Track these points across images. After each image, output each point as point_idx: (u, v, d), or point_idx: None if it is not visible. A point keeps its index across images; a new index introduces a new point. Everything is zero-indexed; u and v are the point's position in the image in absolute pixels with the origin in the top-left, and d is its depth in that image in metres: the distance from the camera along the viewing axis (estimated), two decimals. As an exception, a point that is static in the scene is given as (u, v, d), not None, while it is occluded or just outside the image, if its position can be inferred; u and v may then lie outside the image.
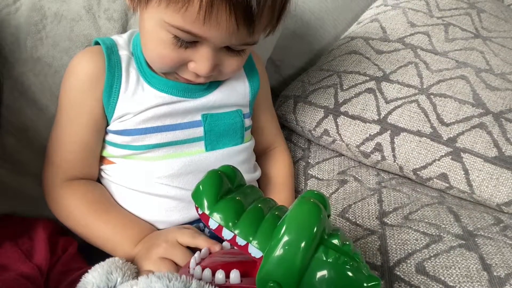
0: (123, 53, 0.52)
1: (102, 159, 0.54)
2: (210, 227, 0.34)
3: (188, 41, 0.44)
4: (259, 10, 0.41)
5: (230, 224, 0.33)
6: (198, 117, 0.53)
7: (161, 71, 0.51)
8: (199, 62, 0.46)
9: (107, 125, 0.52)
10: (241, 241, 0.33)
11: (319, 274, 0.31)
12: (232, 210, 0.34)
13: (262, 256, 0.31)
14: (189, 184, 0.52)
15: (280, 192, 0.63)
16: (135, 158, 0.52)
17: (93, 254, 0.49)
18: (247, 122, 0.59)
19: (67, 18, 0.56)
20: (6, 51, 0.52)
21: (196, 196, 0.35)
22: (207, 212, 0.34)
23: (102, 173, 0.54)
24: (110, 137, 0.52)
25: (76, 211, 0.50)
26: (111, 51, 0.51)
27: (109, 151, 0.53)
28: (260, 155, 0.66)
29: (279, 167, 0.66)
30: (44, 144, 0.53)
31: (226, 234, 0.33)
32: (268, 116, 0.67)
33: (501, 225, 0.54)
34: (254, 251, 0.32)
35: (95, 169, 0.54)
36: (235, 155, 0.56)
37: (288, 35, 0.88)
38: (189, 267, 0.39)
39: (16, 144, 0.54)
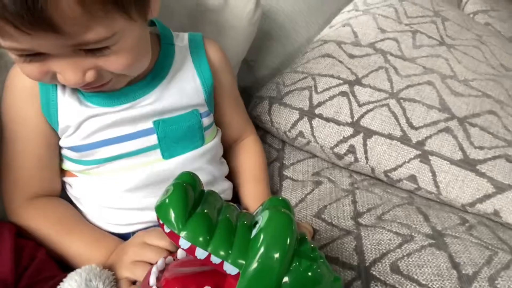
0: None
1: (64, 172, 0.52)
2: (181, 246, 0.32)
3: (29, 55, 0.39)
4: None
5: (204, 243, 0.31)
6: (149, 124, 0.50)
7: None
8: (62, 74, 0.41)
9: (59, 139, 0.50)
10: (216, 260, 0.31)
11: (296, 284, 0.31)
12: (204, 227, 0.32)
13: (238, 272, 0.31)
14: (154, 193, 0.50)
15: (255, 185, 0.62)
16: (90, 174, 0.50)
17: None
18: (206, 121, 0.55)
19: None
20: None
21: (162, 213, 0.32)
22: (178, 232, 0.32)
23: (66, 186, 0.53)
24: (64, 151, 0.51)
25: (39, 232, 0.47)
26: None
27: (66, 165, 0.51)
28: (231, 147, 0.65)
29: (251, 159, 0.65)
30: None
31: (200, 253, 0.32)
32: (234, 108, 0.64)
33: (466, 224, 0.58)
34: (230, 268, 0.31)
35: (56, 183, 0.51)
36: (197, 158, 0.54)
37: (262, 36, 0.89)
38: (149, 284, 0.36)
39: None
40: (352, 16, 0.93)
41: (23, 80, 0.47)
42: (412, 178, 0.65)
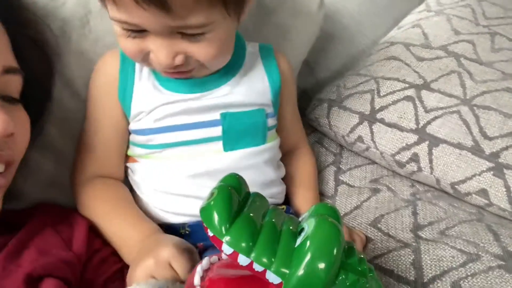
0: None
1: (128, 158, 0.56)
2: (224, 251, 0.31)
3: (133, 30, 0.44)
4: None
5: (247, 249, 0.30)
6: (217, 116, 0.52)
7: (141, 65, 0.52)
8: (156, 53, 0.45)
9: (129, 124, 0.54)
10: (258, 267, 0.30)
11: None
12: (247, 233, 0.31)
13: (281, 282, 0.29)
14: (209, 183, 0.52)
15: (305, 192, 0.63)
16: (152, 158, 0.53)
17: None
18: (271, 121, 0.57)
19: (111, 14, 0.57)
20: (53, 43, 0.54)
21: (206, 216, 0.32)
22: (220, 237, 0.31)
23: (128, 171, 0.56)
24: (131, 137, 0.54)
25: (89, 208, 0.51)
26: None
27: (131, 150, 0.55)
28: (285, 155, 0.65)
29: (304, 167, 0.65)
30: (84, 136, 0.54)
31: (242, 260, 0.30)
32: (293, 117, 0.66)
33: (544, 248, 0.51)
34: (272, 277, 0.30)
35: (118, 168, 0.55)
36: (256, 155, 0.55)
37: (325, 37, 0.87)
38: (193, 283, 0.36)
39: (58, 134, 0.55)
40: (423, 16, 0.88)
41: (105, 70, 0.53)
42: (483, 192, 0.60)
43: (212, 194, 0.33)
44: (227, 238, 0.30)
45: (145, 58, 0.47)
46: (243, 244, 0.30)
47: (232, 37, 0.50)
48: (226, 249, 0.31)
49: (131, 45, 0.46)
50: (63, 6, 0.54)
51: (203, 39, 0.44)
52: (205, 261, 0.38)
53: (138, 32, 0.44)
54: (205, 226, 0.32)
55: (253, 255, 0.30)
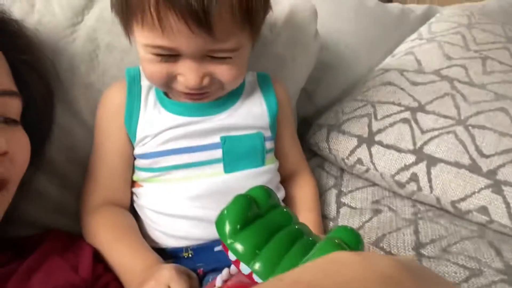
0: (145, 83, 0.57)
1: (133, 183, 0.58)
2: (230, 258, 0.31)
3: (167, 55, 0.47)
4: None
5: (248, 258, 0.30)
6: (217, 139, 0.55)
7: (160, 89, 0.55)
8: (186, 75, 0.48)
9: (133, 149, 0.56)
10: (257, 278, 0.30)
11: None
12: (252, 241, 0.31)
13: None
14: (210, 204, 0.53)
15: (307, 213, 0.63)
16: (156, 181, 0.55)
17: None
18: (268, 145, 0.59)
19: (118, 49, 0.61)
20: (62, 76, 0.57)
21: (219, 223, 0.32)
22: (225, 241, 0.31)
23: (134, 197, 0.58)
24: (136, 162, 0.56)
25: (96, 238, 0.52)
26: (133, 82, 0.57)
27: (136, 174, 0.57)
28: (286, 179, 0.66)
29: (305, 190, 0.66)
30: (91, 163, 0.57)
31: (243, 268, 0.31)
32: (291, 141, 0.67)
33: (548, 262, 0.51)
34: None
35: (124, 194, 0.56)
36: (256, 177, 0.57)
37: (321, 67, 0.90)
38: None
39: (65, 161, 0.57)
40: (416, 44, 0.91)
41: (112, 99, 0.57)
42: (483, 209, 0.60)
43: (229, 202, 0.33)
44: (232, 245, 0.31)
45: (169, 81, 0.50)
46: (246, 254, 0.30)
47: (248, 60, 0.54)
48: (231, 255, 0.31)
49: (159, 70, 0.49)
50: (74, 42, 0.58)
51: (230, 61, 0.49)
52: (224, 272, 0.38)
53: (171, 56, 0.47)
54: (218, 232, 0.32)
55: (253, 265, 0.30)
